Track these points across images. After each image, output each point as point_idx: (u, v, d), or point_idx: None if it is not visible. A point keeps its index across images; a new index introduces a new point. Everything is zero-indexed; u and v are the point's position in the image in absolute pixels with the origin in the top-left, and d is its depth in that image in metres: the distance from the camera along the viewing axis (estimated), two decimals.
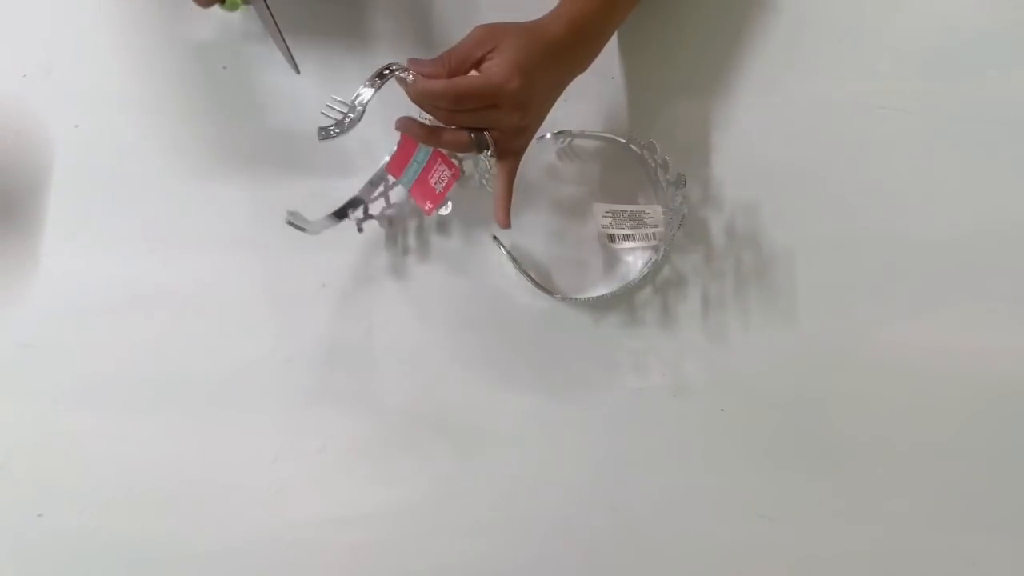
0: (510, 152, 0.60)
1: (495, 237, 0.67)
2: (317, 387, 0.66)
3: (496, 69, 0.55)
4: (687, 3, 0.72)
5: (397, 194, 0.67)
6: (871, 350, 0.68)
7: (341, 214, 0.64)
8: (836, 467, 0.67)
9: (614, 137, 0.69)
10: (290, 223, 0.58)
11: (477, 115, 0.57)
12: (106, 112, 0.68)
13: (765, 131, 0.71)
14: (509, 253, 0.67)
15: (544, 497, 0.65)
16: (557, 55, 0.58)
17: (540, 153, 0.70)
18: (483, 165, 0.67)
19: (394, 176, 0.63)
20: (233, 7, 0.59)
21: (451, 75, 0.56)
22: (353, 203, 0.65)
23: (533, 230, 0.69)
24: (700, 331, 0.68)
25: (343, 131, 0.54)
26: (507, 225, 0.61)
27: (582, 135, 0.69)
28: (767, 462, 0.67)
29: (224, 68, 0.69)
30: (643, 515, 0.65)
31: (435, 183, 0.63)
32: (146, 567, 0.63)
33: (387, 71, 0.56)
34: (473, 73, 0.57)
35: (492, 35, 0.57)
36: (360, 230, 0.65)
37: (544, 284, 0.67)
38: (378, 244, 0.68)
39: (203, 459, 0.64)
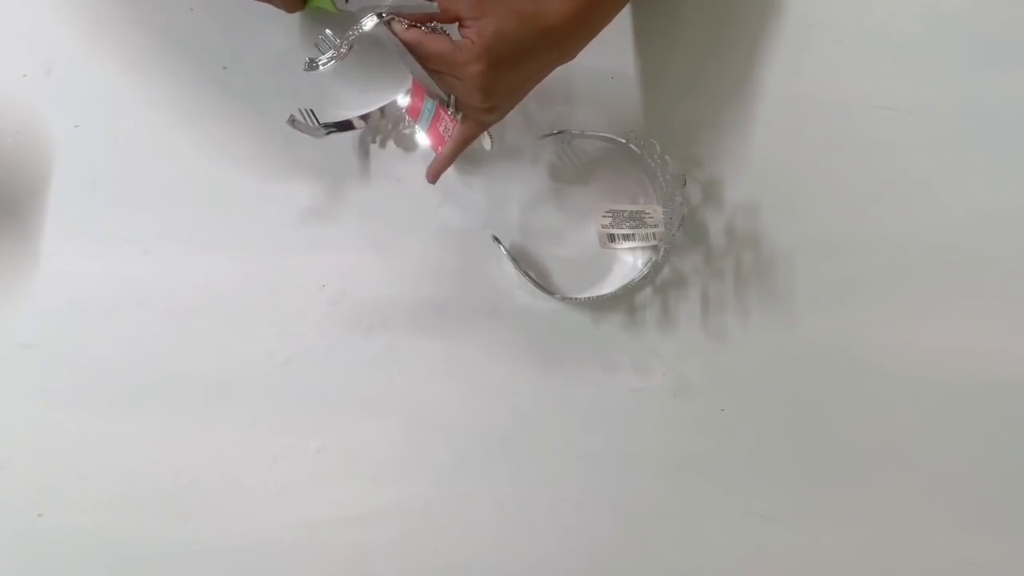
0: (473, 120, 0.59)
1: (495, 237, 0.67)
2: (317, 387, 0.66)
3: (465, 45, 0.53)
4: (687, 3, 0.72)
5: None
6: (871, 350, 0.68)
7: (346, 125, 0.67)
8: (835, 467, 0.67)
9: (614, 137, 0.69)
10: (292, 124, 0.63)
11: (441, 77, 0.57)
12: (106, 112, 0.68)
13: (765, 131, 0.71)
14: (509, 253, 0.67)
15: (544, 497, 0.65)
16: (548, 44, 0.55)
17: (540, 153, 0.70)
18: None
19: (413, 119, 0.66)
20: (326, 5, 0.60)
21: (429, 19, 0.55)
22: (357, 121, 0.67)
23: (533, 230, 0.69)
24: (700, 331, 0.68)
25: (326, 64, 0.56)
26: (432, 182, 0.63)
27: (582, 135, 0.69)
28: (766, 462, 0.67)
29: (224, 68, 0.69)
30: (643, 515, 0.65)
31: (443, 131, 0.64)
32: (146, 567, 0.63)
33: (385, 15, 0.56)
34: (460, 35, 0.54)
35: (482, 3, 0.54)
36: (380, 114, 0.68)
37: (544, 284, 0.67)
38: (378, 244, 0.68)
39: (203, 459, 0.64)
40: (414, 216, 0.68)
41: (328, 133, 0.67)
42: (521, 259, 0.67)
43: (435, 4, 0.55)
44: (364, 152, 0.69)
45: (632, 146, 0.69)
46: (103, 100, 0.68)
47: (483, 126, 0.60)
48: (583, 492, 0.66)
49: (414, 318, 0.67)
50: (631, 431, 0.66)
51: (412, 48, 0.56)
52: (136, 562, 0.63)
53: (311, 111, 0.66)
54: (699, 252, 0.69)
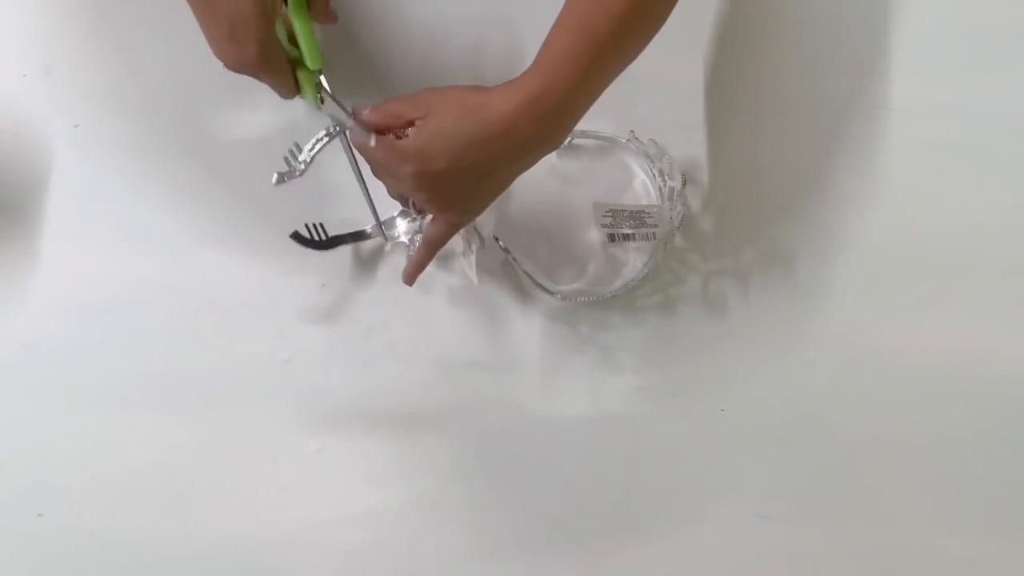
0: (440, 220, 0.58)
1: (495, 237, 0.67)
2: (317, 387, 0.66)
3: (401, 146, 0.52)
4: (686, 3, 0.72)
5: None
6: (871, 350, 0.68)
7: (357, 236, 0.66)
8: (836, 467, 0.67)
9: (614, 137, 0.69)
10: (296, 240, 0.64)
11: (392, 182, 0.56)
12: (106, 112, 0.68)
13: (765, 131, 0.71)
14: (509, 253, 0.66)
15: (544, 497, 0.65)
16: (496, 138, 0.51)
17: None
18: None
19: None
20: (311, 101, 0.60)
21: (386, 127, 0.54)
22: (359, 235, 0.66)
23: (534, 230, 0.69)
24: (700, 331, 0.68)
25: (293, 177, 0.57)
26: (408, 284, 0.62)
27: (582, 135, 0.69)
28: (767, 462, 0.67)
29: (224, 68, 0.69)
30: (643, 515, 0.65)
31: None
32: (146, 567, 0.63)
33: (336, 129, 0.57)
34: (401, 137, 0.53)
35: (428, 102, 0.52)
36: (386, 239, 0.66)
37: (544, 284, 0.67)
38: (377, 245, 0.68)
39: (203, 459, 0.64)
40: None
41: (337, 246, 0.66)
42: (521, 259, 0.67)
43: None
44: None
45: (632, 146, 0.69)
46: (103, 100, 0.68)
47: (451, 226, 0.58)
48: (583, 492, 0.65)
49: (414, 318, 0.67)
50: (631, 431, 0.66)
51: (360, 151, 0.56)
52: (136, 562, 0.63)
53: (320, 224, 0.65)
54: (699, 252, 0.69)
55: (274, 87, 0.57)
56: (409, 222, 0.66)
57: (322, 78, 0.56)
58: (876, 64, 0.72)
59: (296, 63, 0.57)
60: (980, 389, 0.68)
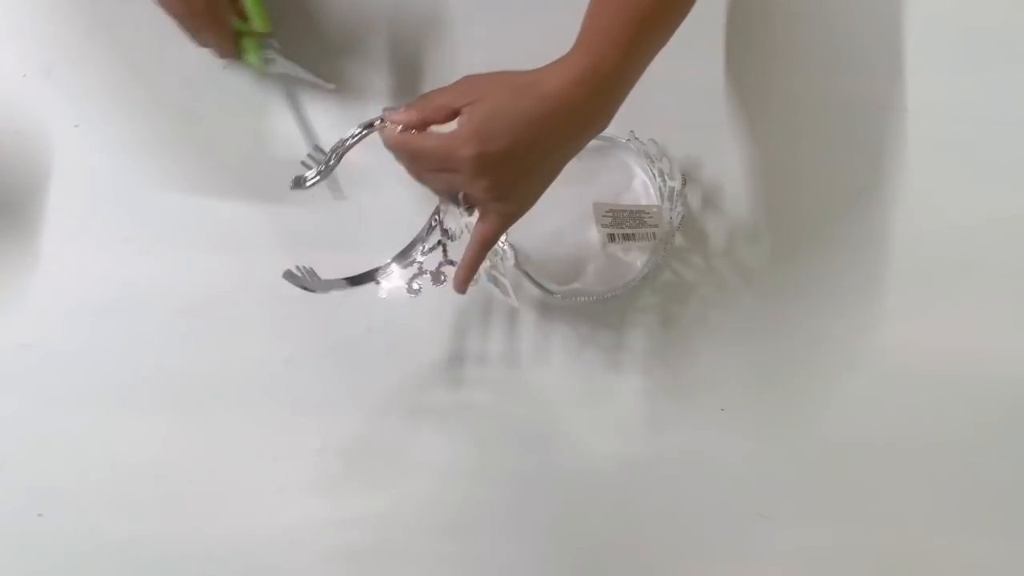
0: (491, 212, 0.54)
1: None
2: (317, 387, 0.66)
3: (455, 131, 0.50)
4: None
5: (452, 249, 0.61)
6: (871, 350, 0.68)
7: (362, 279, 0.60)
8: (836, 467, 0.67)
9: (614, 137, 0.69)
10: (290, 279, 0.57)
11: (440, 176, 0.53)
12: (106, 112, 0.68)
13: (765, 131, 0.71)
14: (509, 253, 0.66)
15: (544, 497, 0.65)
16: (553, 114, 0.50)
17: None
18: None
19: None
20: (255, 64, 0.62)
21: (424, 123, 0.51)
22: (362, 278, 0.60)
23: (533, 230, 0.68)
24: (700, 331, 0.68)
25: (312, 182, 0.56)
26: (461, 292, 0.58)
27: None
28: (767, 462, 0.67)
29: (224, 68, 0.69)
30: (643, 515, 0.65)
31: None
32: (146, 567, 0.63)
33: (363, 129, 0.55)
34: (439, 129, 0.51)
35: (474, 87, 0.51)
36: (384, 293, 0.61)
37: (544, 284, 0.67)
38: (377, 244, 0.67)
39: (203, 459, 0.64)
40: (413, 217, 0.68)
41: (330, 291, 0.59)
42: (521, 259, 0.67)
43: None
44: (365, 154, 0.68)
45: (632, 146, 0.69)
46: (103, 100, 0.68)
47: (505, 218, 0.55)
48: (583, 491, 0.65)
49: (414, 318, 0.67)
50: (631, 431, 0.66)
51: (399, 152, 0.53)
52: (136, 562, 0.63)
53: (312, 269, 0.59)
54: (699, 252, 0.69)
55: (215, 44, 0.60)
56: (404, 267, 0.60)
57: (274, 41, 0.57)
58: (876, 64, 0.72)
59: (239, 32, 0.59)
60: (981, 389, 0.68)
